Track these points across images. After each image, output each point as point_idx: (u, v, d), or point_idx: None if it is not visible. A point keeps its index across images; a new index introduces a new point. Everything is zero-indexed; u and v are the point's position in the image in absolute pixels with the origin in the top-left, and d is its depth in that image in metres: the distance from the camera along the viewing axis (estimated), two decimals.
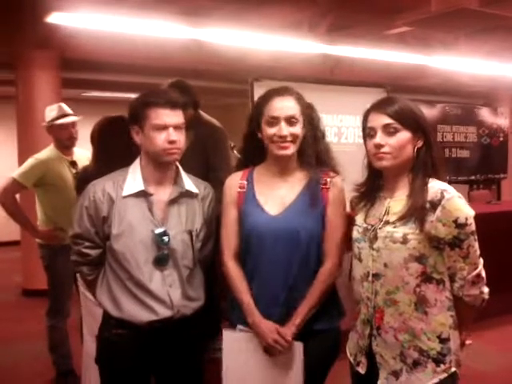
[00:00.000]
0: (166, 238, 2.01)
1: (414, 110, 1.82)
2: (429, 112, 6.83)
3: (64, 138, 3.63)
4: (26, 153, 4.50)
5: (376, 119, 1.81)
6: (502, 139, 7.90)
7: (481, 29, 6.07)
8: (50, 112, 3.66)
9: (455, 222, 1.69)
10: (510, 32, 6.73)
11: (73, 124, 3.64)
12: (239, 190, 2.05)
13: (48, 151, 3.66)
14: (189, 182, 2.12)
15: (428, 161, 1.80)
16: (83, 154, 3.68)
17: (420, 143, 1.80)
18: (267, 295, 1.96)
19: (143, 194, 2.03)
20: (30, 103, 6.08)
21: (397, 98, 1.86)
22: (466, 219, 1.70)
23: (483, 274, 1.77)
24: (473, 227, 1.72)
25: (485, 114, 7.77)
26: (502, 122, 7.94)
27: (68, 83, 6.65)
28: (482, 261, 1.77)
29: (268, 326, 1.92)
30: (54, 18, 5.02)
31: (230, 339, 2.02)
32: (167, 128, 1.97)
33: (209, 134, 3.74)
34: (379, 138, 1.79)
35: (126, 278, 2.02)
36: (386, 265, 1.77)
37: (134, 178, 2.06)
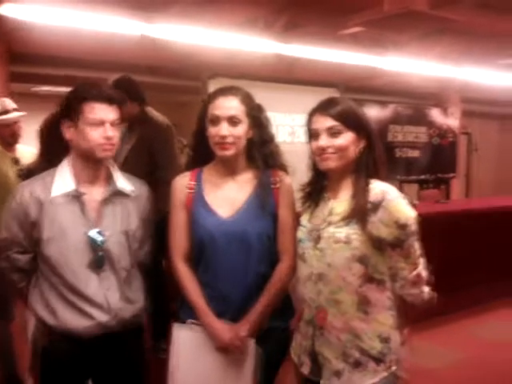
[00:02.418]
0: (100, 240, 1.93)
1: (357, 111, 1.83)
2: (380, 112, 6.92)
3: (7, 135, 3.50)
4: None
5: (319, 121, 1.81)
6: (451, 139, 8.06)
7: (431, 31, 6.20)
8: None
9: (396, 222, 1.70)
10: (458, 35, 6.89)
11: (16, 121, 3.53)
12: (188, 191, 2.01)
13: None
14: (122, 181, 2.04)
15: (370, 162, 1.81)
16: (27, 150, 3.55)
17: (363, 144, 1.81)
18: (220, 299, 1.94)
19: (74, 194, 1.94)
20: None
21: (339, 98, 1.88)
22: (407, 220, 1.72)
23: (424, 274, 1.78)
24: (414, 228, 1.74)
25: (435, 115, 7.92)
26: (451, 122, 8.12)
27: (16, 77, 6.47)
28: (422, 261, 1.79)
29: (222, 326, 1.91)
30: (1, 10, 4.87)
31: (179, 333, 1.98)
32: (103, 124, 1.90)
33: (155, 132, 3.67)
34: (323, 140, 1.79)
35: (60, 283, 1.93)
36: (329, 265, 1.77)
37: (63, 177, 1.96)
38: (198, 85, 4.90)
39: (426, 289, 1.80)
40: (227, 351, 1.91)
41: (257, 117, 1.99)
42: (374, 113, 6.56)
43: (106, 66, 5.96)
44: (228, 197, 1.99)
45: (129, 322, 2.01)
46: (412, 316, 1.87)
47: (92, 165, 1.97)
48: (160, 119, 3.78)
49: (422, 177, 7.68)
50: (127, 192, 2.04)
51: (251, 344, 1.91)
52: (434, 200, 6.44)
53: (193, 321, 1.96)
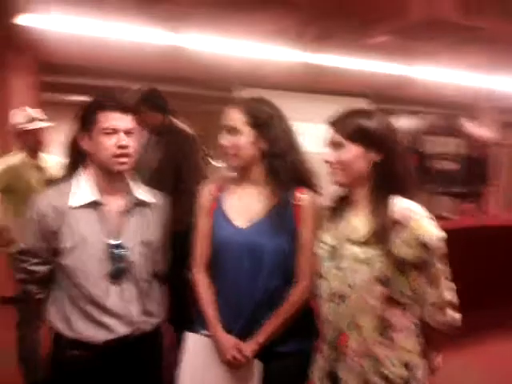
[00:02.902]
0: (122, 251, 1.91)
1: (365, 124, 1.71)
2: (413, 123, 6.80)
3: (31, 143, 3.54)
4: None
5: (329, 133, 1.75)
6: (485, 151, 7.88)
7: (460, 39, 6.07)
8: (18, 116, 3.56)
9: (420, 242, 1.60)
10: (488, 43, 6.73)
11: (40, 130, 3.54)
12: (211, 199, 2.01)
13: (15, 156, 3.56)
14: (141, 192, 2.02)
15: (389, 176, 1.70)
16: (52, 159, 3.58)
17: (376, 158, 1.71)
18: (231, 308, 1.91)
19: (95, 205, 1.91)
20: (7, 106, 5.92)
21: (352, 110, 1.78)
22: (434, 241, 1.61)
23: (450, 298, 1.67)
24: (441, 249, 1.63)
25: (470, 126, 7.75)
26: (488, 133, 7.92)
27: (46, 87, 6.52)
28: (452, 285, 1.68)
29: (228, 341, 1.87)
30: (31, 20, 4.92)
31: (191, 341, 1.96)
32: (117, 132, 1.86)
33: (180, 142, 3.68)
34: (328, 153, 1.73)
35: (79, 295, 1.90)
36: (350, 286, 1.68)
37: (82, 187, 1.93)
38: (225, 95, 4.86)
39: (457, 316, 1.69)
40: (233, 368, 1.87)
41: (264, 128, 1.93)
42: (405, 123, 6.43)
43: (133, 76, 5.94)
44: (246, 207, 1.96)
45: (148, 334, 1.98)
46: (440, 342, 1.76)
47: (111, 176, 1.94)
48: (185, 129, 3.77)
49: (456, 189, 7.49)
50: (147, 202, 2.02)
51: (256, 364, 1.87)
52: (469, 213, 6.26)
53: (205, 332, 1.94)
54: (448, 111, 9.91)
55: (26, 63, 6.07)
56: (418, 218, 1.62)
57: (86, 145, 1.91)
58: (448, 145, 7.38)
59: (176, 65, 6.53)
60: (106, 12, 5.07)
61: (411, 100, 9.14)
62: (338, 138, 1.71)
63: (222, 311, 1.92)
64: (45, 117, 3.64)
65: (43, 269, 1.97)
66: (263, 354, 1.87)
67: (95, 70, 6.67)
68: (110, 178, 1.94)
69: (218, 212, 1.98)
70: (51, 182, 3.29)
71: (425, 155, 7.00)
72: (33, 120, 3.53)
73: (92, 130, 1.88)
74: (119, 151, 1.87)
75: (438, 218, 1.73)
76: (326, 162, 1.74)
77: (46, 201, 1.92)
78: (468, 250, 3.39)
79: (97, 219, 1.91)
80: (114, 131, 1.86)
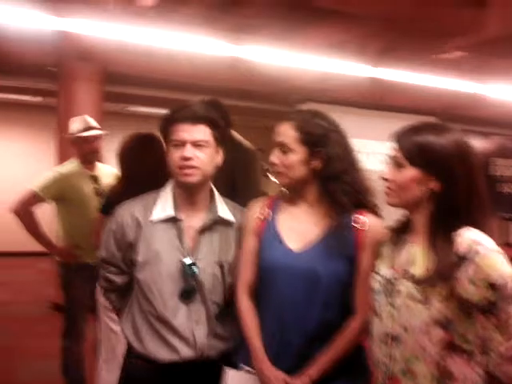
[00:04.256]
0: (194, 270, 1.83)
1: (431, 145, 1.50)
2: (482, 144, 6.46)
3: (86, 152, 3.52)
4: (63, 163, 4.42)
5: (392, 149, 1.57)
6: None
7: None
8: (75, 124, 3.56)
9: (488, 282, 1.38)
10: None
11: (96, 138, 3.53)
12: (261, 218, 1.85)
13: (70, 165, 3.57)
14: (224, 209, 1.94)
15: (449, 208, 1.49)
16: (107, 169, 3.56)
17: (435, 186, 1.50)
18: (280, 341, 1.73)
19: (173, 220, 1.87)
20: (71, 115, 6.02)
21: (422, 125, 1.58)
22: (502, 279, 1.39)
23: None
24: (511, 289, 1.40)
25: None
26: None
27: (110, 97, 6.62)
28: None
29: (276, 376, 1.68)
30: (97, 31, 4.97)
31: (232, 379, 1.79)
32: (184, 144, 1.81)
33: (238, 156, 3.59)
34: (387, 170, 1.55)
35: (150, 310, 1.87)
36: (404, 327, 1.48)
37: (164, 201, 1.91)
38: (287, 109, 4.74)
39: None
40: None
41: (318, 146, 1.76)
42: (476, 145, 6.11)
43: (197, 89, 5.93)
44: (301, 229, 1.79)
45: (217, 361, 1.86)
46: None
47: (187, 190, 1.89)
48: (244, 143, 3.70)
49: None
50: (230, 221, 1.93)
51: None
52: None
53: (246, 367, 1.77)
54: None
55: (91, 73, 6.17)
56: (486, 254, 1.41)
57: (168, 158, 1.89)
58: None
59: (238, 77, 6.49)
60: (171, 23, 5.07)
61: (482, 120, 8.76)
62: (399, 155, 1.53)
63: (269, 343, 1.74)
64: (98, 126, 3.64)
65: (121, 279, 1.96)
66: None
67: (159, 82, 6.72)
68: (189, 193, 1.90)
69: (268, 232, 1.82)
70: (103, 191, 3.27)
71: (494, 179, 6.63)
72: (89, 128, 3.52)
73: (167, 143, 1.87)
74: (182, 163, 1.81)
75: (506, 246, 1.49)
76: (383, 179, 1.57)
77: (128, 211, 1.93)
78: None
79: (174, 235, 1.88)
80: (182, 143, 1.82)
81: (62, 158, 5.85)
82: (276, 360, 1.72)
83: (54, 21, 4.86)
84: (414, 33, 5.69)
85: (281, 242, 1.79)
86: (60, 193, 3.41)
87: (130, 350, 1.95)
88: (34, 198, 3.44)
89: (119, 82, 6.75)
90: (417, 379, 1.47)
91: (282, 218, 1.84)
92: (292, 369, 1.70)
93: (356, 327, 1.72)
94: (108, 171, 3.54)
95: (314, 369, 1.68)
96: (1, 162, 9.29)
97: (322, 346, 1.71)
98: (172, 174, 1.88)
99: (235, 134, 3.79)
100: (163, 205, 1.90)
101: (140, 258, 1.87)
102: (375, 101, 6.99)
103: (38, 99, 8.46)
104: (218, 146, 1.91)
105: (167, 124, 1.87)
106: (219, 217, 1.91)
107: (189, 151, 1.80)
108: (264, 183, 3.96)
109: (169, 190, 1.94)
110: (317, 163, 1.75)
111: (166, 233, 1.88)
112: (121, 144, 2.79)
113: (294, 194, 1.83)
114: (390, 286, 1.54)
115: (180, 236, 1.88)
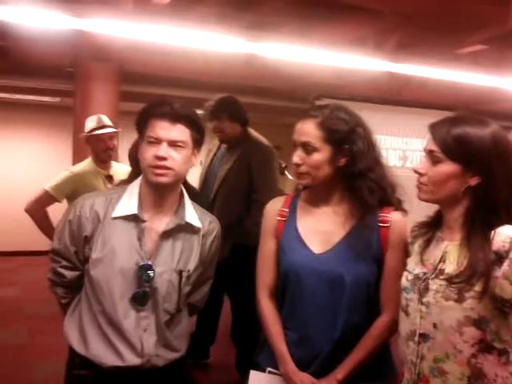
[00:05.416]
0: (150, 274, 1.74)
1: (471, 138, 1.44)
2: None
3: (100, 150, 3.52)
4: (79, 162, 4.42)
5: (427, 141, 1.50)
6: None
7: None
8: (90, 122, 3.56)
9: None
10: None
11: (110, 136, 3.52)
12: (279, 218, 1.79)
13: (84, 164, 3.57)
14: (192, 214, 1.84)
15: (488, 204, 1.43)
16: (122, 168, 3.55)
17: (474, 181, 1.44)
18: (307, 347, 1.69)
19: (135, 220, 1.77)
20: (87, 114, 6.03)
21: (460, 118, 1.51)
22: None
23: None
24: None
25: None
26: None
27: (126, 96, 6.61)
28: None
29: (303, 380, 1.65)
30: (113, 30, 4.96)
31: (257, 381, 1.75)
32: (160, 142, 1.71)
33: (255, 153, 3.59)
34: (421, 164, 1.49)
35: (99, 310, 1.77)
36: (435, 325, 1.44)
37: (129, 198, 1.80)
38: (305, 106, 4.70)
39: None
40: None
41: (344, 143, 1.70)
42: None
43: (213, 87, 5.91)
44: (323, 230, 1.73)
45: (163, 370, 1.80)
46: None
47: (155, 190, 1.79)
48: (261, 140, 3.69)
49: None
50: (195, 227, 1.84)
51: None
52: None
53: (272, 370, 1.73)
54: None
55: (107, 73, 6.16)
56: None
57: (139, 153, 1.79)
58: None
59: (256, 75, 6.45)
60: (187, 22, 5.04)
61: (503, 114, 8.61)
62: (436, 149, 1.47)
63: (295, 349, 1.71)
64: (112, 124, 3.62)
65: (70, 274, 1.87)
66: None
67: (175, 80, 6.69)
68: (157, 194, 1.80)
69: (288, 233, 1.76)
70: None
71: None
72: (103, 126, 3.51)
73: (142, 138, 1.77)
74: (155, 162, 1.71)
75: None
76: (416, 172, 1.51)
77: (89, 203, 1.83)
78: None
79: (134, 235, 1.78)
80: (157, 141, 1.72)
81: (79, 157, 5.88)
82: (304, 364, 1.69)
83: (70, 21, 4.86)
84: (434, 28, 5.61)
85: (302, 244, 1.73)
86: (73, 192, 3.39)
87: (71, 360, 1.86)
88: (47, 198, 3.44)
89: (135, 81, 6.74)
90: (447, 378, 1.43)
91: (302, 218, 1.78)
92: (318, 373, 1.67)
93: (383, 327, 1.68)
94: (123, 170, 3.50)
95: (342, 372, 1.65)
96: (20, 162, 9.34)
97: (349, 349, 1.67)
98: (142, 171, 1.79)
99: (252, 132, 3.78)
100: (127, 202, 1.80)
101: (94, 254, 1.78)
102: (393, 96, 6.90)
103: (56, 100, 8.49)
104: (196, 149, 1.80)
105: (144, 118, 1.78)
106: (186, 222, 1.83)
107: (164, 150, 1.71)
108: (281, 181, 3.93)
109: (136, 187, 1.84)
110: (342, 161, 1.70)
111: (126, 232, 1.78)
112: (133, 143, 2.77)
113: (316, 193, 1.77)
114: (419, 283, 1.50)
115: (140, 237, 1.78)
